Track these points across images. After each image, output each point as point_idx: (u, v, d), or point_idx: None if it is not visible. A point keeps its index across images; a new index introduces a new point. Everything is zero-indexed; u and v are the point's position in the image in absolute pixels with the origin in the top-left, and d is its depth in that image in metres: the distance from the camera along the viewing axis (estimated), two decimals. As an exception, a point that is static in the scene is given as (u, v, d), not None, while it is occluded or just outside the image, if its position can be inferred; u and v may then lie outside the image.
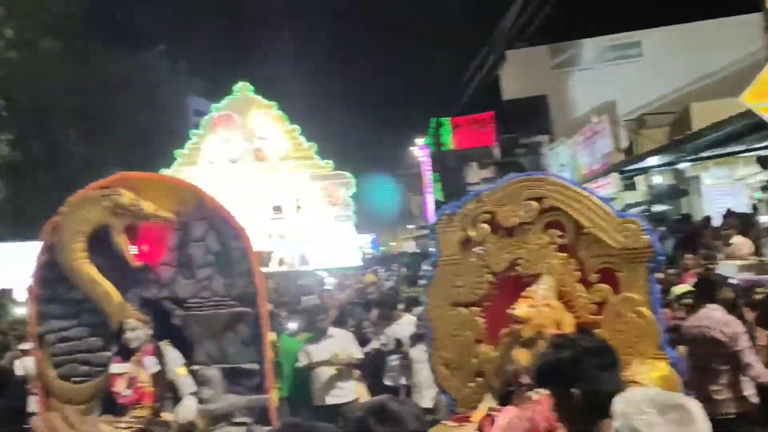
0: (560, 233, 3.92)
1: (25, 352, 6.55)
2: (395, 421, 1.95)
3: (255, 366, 4.88)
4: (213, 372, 4.79)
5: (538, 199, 3.97)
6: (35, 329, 5.08)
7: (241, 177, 17.39)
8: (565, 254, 3.92)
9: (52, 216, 5.25)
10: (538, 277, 3.93)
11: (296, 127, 17.89)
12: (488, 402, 3.99)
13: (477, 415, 3.89)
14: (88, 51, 20.62)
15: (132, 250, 4.98)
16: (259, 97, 17.99)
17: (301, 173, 17.64)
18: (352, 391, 6.30)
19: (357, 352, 6.37)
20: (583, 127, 15.73)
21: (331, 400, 6.20)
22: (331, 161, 17.87)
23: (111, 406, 4.58)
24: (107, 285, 4.93)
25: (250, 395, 4.88)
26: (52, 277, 5.04)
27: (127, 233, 4.93)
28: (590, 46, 19.52)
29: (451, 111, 26.47)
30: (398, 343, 6.76)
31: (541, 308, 3.70)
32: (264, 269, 14.78)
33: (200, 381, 4.72)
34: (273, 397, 5.03)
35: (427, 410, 5.66)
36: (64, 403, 4.82)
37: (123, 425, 4.34)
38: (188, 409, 4.52)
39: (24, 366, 6.38)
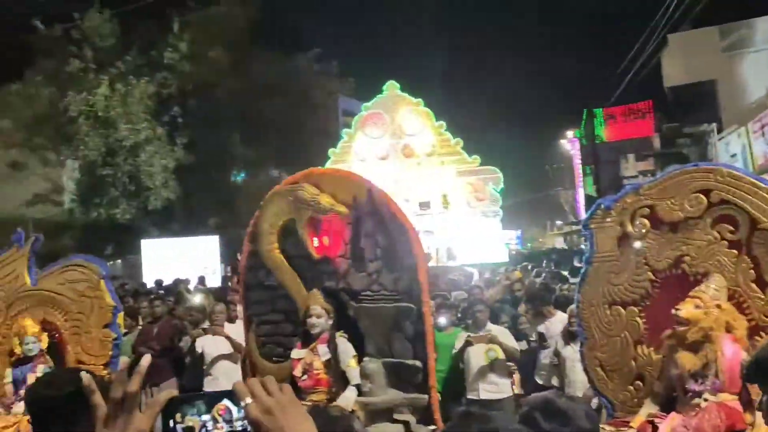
0: (731, 229, 3.61)
1: (206, 331, 7.19)
2: (563, 417, 1.87)
3: (418, 363, 4.94)
4: (375, 365, 4.92)
5: (706, 192, 3.68)
6: (245, 312, 5.64)
7: (390, 174, 17.73)
8: (735, 251, 3.61)
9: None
10: (706, 276, 3.65)
11: (443, 123, 17.95)
12: (649, 407, 3.77)
13: (637, 421, 3.70)
14: (250, 58, 22.08)
15: (315, 242, 5.31)
16: (406, 95, 18.25)
17: (448, 169, 17.66)
18: (507, 388, 6.24)
19: (515, 347, 6.29)
20: (758, 114, 14.32)
21: (485, 395, 6.17)
22: (478, 156, 17.73)
23: (293, 388, 4.89)
24: (295, 274, 5.33)
25: (413, 392, 4.93)
26: (255, 265, 5.55)
27: (311, 226, 5.26)
28: (764, 26, 17.72)
29: (604, 101, 25.24)
30: (541, 337, 6.60)
31: (710, 310, 3.44)
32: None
33: (363, 374, 4.84)
34: (435, 396, 5.04)
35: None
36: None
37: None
38: (347, 399, 4.64)
39: (202, 346, 6.91)
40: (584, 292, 4.19)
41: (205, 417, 1.11)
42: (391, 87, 18.29)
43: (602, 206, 4.12)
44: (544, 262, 17.90)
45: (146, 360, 1.22)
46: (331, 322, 4.91)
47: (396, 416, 4.87)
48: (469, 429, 1.38)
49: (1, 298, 5.67)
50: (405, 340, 4.99)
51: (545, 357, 6.69)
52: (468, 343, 6.27)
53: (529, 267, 15.97)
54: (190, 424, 1.10)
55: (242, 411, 1.09)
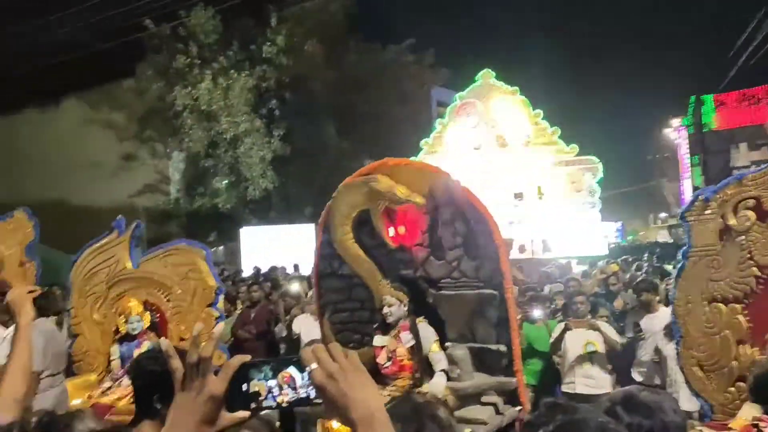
0: None
1: (303, 311, 7.52)
2: (646, 410, 1.82)
3: (503, 347, 5.00)
4: (461, 351, 4.98)
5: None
6: (319, 300, 5.84)
7: (484, 164, 17.50)
8: None
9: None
10: (820, 273, 3.38)
11: (540, 111, 17.51)
12: (752, 410, 3.54)
13: (738, 424, 3.48)
14: (345, 50, 22.42)
15: (390, 231, 5.39)
16: (501, 83, 17.92)
17: (544, 158, 17.21)
18: (604, 383, 6.06)
19: (617, 339, 6.11)
20: None
21: (581, 388, 6.05)
22: (576, 145, 17.18)
23: (376, 376, 4.93)
24: (370, 263, 5.45)
25: (498, 376, 4.99)
26: (329, 254, 5.70)
27: (386, 216, 5.35)
28: None
29: (713, 87, 23.78)
30: (638, 327, 6.35)
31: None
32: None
33: (450, 359, 4.91)
34: (521, 379, 5.08)
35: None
36: None
37: (385, 393, 4.68)
38: (437, 386, 4.72)
39: (299, 327, 7.28)
40: (681, 288, 3.99)
41: (272, 383, 1.14)
42: (486, 75, 18.02)
43: (701, 197, 3.89)
44: (646, 255, 17.15)
45: (219, 328, 1.32)
46: (405, 309, 5.01)
47: (484, 399, 4.92)
48: (553, 419, 1.36)
49: (102, 281, 6.10)
50: (488, 326, 5.04)
51: (645, 354, 6.43)
52: (567, 328, 6.16)
53: (630, 260, 15.36)
54: (256, 389, 1.14)
55: (306, 378, 1.14)
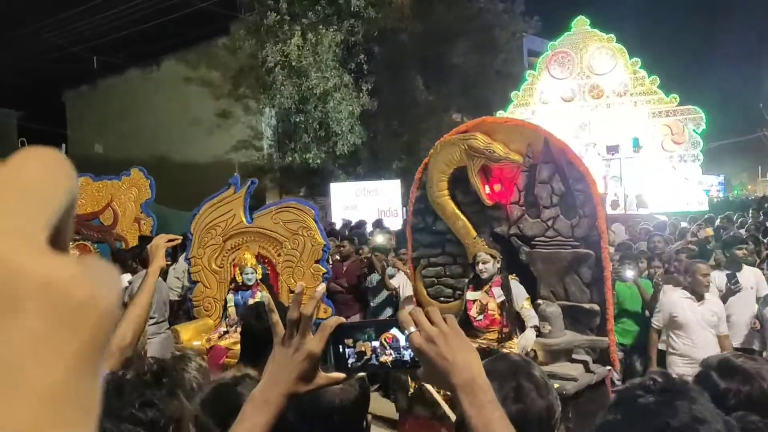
0: None
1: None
2: (744, 375, 1.77)
3: (595, 307, 5.03)
4: (554, 309, 5.06)
5: None
6: (412, 253, 6.05)
7: (576, 116, 16.94)
8: None
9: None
10: None
11: (637, 60, 16.64)
12: None
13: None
14: (433, 1, 21.99)
15: (486, 189, 5.50)
16: (596, 31, 17.12)
17: (642, 109, 16.43)
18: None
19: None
20: None
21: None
22: (676, 95, 16.27)
23: (467, 328, 5.12)
24: (465, 220, 5.57)
25: (590, 335, 5.04)
26: (423, 210, 5.88)
27: (482, 173, 5.45)
28: None
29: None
30: (732, 277, 6.07)
31: None
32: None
33: (542, 316, 5.00)
34: (613, 339, 5.09)
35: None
36: None
37: (475, 345, 4.84)
38: (528, 339, 4.83)
39: (398, 283, 7.42)
40: None
41: (375, 343, 1.15)
42: (580, 23, 17.26)
43: None
44: (751, 212, 16.19)
45: (321, 288, 1.35)
46: (498, 266, 5.11)
47: (575, 356, 4.98)
48: (653, 390, 1.34)
49: (219, 233, 6.57)
50: (582, 284, 5.07)
51: (735, 315, 6.14)
52: (657, 287, 6.03)
53: (734, 216, 14.55)
54: (362, 348, 1.15)
55: (406, 340, 1.14)
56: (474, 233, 5.45)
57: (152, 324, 5.48)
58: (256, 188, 6.96)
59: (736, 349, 5.83)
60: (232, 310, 6.07)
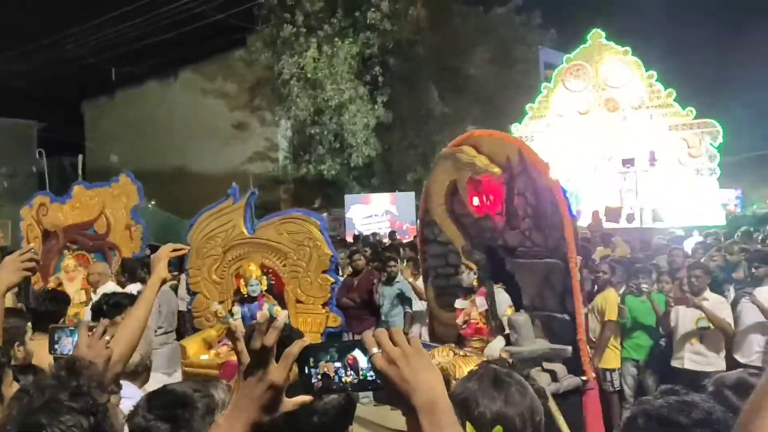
0: None
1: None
2: None
3: (567, 317, 5.14)
4: (522, 317, 5.18)
5: None
6: (423, 264, 6.10)
7: (591, 129, 16.85)
8: None
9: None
10: None
11: (653, 73, 16.54)
12: None
13: None
14: (449, 14, 22.04)
15: (474, 201, 5.60)
16: (612, 44, 17.06)
17: (658, 122, 16.30)
18: (717, 361, 5.80)
19: (728, 321, 5.79)
20: None
21: (690, 365, 5.85)
22: (693, 108, 16.14)
23: (457, 336, 5.34)
24: (456, 231, 5.74)
25: (562, 345, 5.12)
26: (431, 221, 6.01)
27: (471, 185, 5.55)
28: None
29: None
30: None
31: None
32: (613, 225, 14.24)
33: (509, 325, 5.17)
34: (584, 349, 5.11)
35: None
36: (443, 327, 5.86)
37: (461, 353, 4.91)
38: (494, 349, 5.01)
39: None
40: None
41: (338, 364, 1.13)
42: (596, 36, 17.22)
43: None
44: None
45: (282, 316, 1.31)
46: (474, 276, 5.31)
47: (546, 365, 5.05)
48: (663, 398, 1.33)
49: (219, 244, 6.50)
50: (555, 294, 5.21)
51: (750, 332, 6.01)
52: (669, 306, 5.95)
53: (751, 230, 14.32)
54: (325, 369, 1.13)
55: (369, 362, 1.12)
56: (461, 244, 5.64)
57: (160, 334, 5.47)
58: (270, 199, 6.95)
59: (748, 367, 5.74)
60: (239, 322, 6.02)
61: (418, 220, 6.17)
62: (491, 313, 5.20)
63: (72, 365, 1.42)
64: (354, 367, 1.13)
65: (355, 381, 1.13)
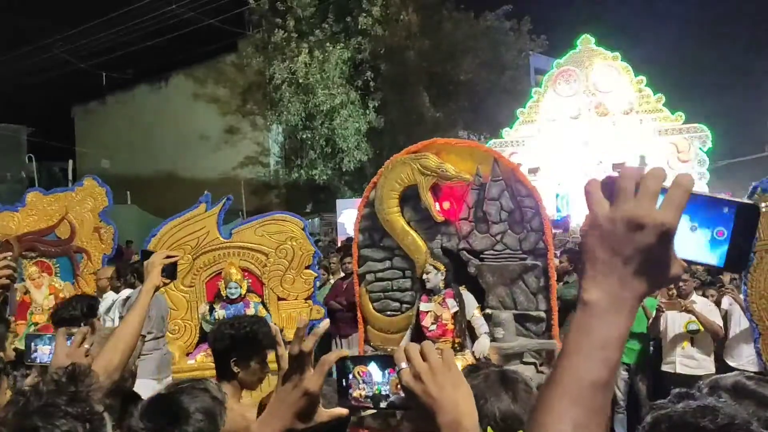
0: None
1: None
2: (759, 399, 1.67)
3: (542, 314, 5.47)
4: (506, 315, 5.48)
5: None
6: (357, 268, 6.16)
7: (581, 133, 16.93)
8: None
9: None
10: None
11: (643, 78, 16.65)
12: None
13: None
14: (440, 19, 22.11)
15: (437, 206, 5.77)
16: (602, 49, 17.15)
17: (647, 127, 16.40)
18: (707, 364, 5.87)
19: (718, 323, 5.86)
20: None
21: (681, 369, 5.94)
22: (682, 113, 16.25)
23: (419, 338, 5.37)
24: (414, 236, 5.82)
25: (538, 339, 5.49)
26: (371, 227, 6.10)
27: (432, 191, 5.73)
28: None
29: None
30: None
31: None
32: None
33: (495, 322, 5.43)
34: (559, 344, 5.31)
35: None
36: (377, 331, 5.99)
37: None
38: (483, 345, 5.24)
39: None
40: (752, 282, 3.85)
41: (350, 376, 1.13)
42: (585, 41, 17.31)
43: (759, 189, 3.72)
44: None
45: (324, 324, 1.27)
46: (442, 277, 5.46)
47: (525, 359, 5.39)
48: (678, 403, 1.33)
49: (187, 252, 6.45)
50: (529, 293, 5.49)
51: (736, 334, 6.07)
52: (660, 311, 6.00)
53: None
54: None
55: (386, 376, 1.09)
56: (424, 248, 5.72)
57: (150, 339, 5.43)
58: (262, 204, 6.95)
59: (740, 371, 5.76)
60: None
61: (354, 226, 6.23)
62: (460, 315, 5.38)
63: (72, 371, 1.43)
64: (366, 380, 1.11)
65: (369, 395, 1.11)
